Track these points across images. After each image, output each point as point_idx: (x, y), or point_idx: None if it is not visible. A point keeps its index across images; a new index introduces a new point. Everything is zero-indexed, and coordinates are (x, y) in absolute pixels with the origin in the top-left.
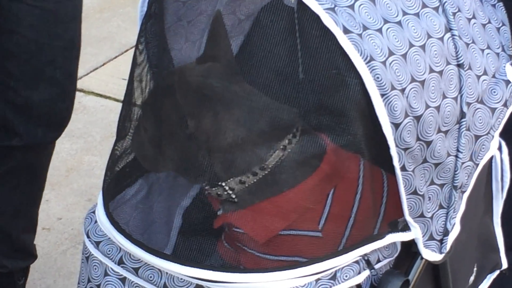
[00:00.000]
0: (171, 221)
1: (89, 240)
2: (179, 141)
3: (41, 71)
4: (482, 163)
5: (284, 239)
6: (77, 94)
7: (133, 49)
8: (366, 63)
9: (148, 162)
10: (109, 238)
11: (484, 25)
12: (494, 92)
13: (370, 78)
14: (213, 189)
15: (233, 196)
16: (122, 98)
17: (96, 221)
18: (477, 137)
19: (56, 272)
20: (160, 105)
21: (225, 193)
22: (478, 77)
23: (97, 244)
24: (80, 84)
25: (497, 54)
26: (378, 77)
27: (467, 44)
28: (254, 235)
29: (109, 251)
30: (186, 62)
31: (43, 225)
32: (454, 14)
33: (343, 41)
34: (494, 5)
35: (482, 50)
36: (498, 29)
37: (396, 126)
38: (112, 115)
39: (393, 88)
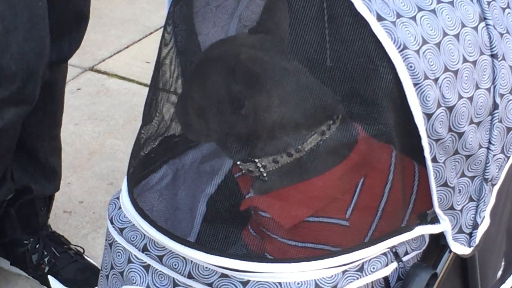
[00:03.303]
0: (195, 208)
1: (113, 227)
2: (226, 115)
3: None
4: None
5: (311, 226)
6: (100, 76)
7: (158, 32)
8: (399, 52)
9: (191, 131)
10: (133, 224)
11: None
12: None
13: (403, 67)
14: (246, 164)
15: (264, 175)
16: (145, 81)
17: (120, 207)
18: (509, 129)
19: None
20: (208, 75)
21: (257, 169)
22: None
23: (121, 231)
24: (103, 66)
25: None
26: (411, 66)
27: (501, 34)
28: (280, 220)
29: (133, 238)
30: None
31: (64, 208)
32: (488, 3)
33: (377, 28)
34: None
35: None
36: None
37: (428, 116)
38: (135, 98)
39: (426, 77)
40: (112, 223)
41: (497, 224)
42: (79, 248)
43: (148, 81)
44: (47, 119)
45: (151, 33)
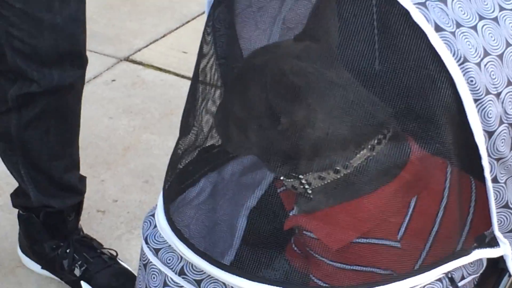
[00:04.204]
0: (235, 222)
1: (148, 247)
2: (266, 130)
3: (40, 18)
4: None
5: (359, 248)
6: (136, 67)
7: (195, 20)
8: (459, 65)
9: (231, 143)
10: (170, 245)
11: None
12: None
13: (463, 81)
14: (289, 180)
15: (309, 192)
16: (182, 72)
17: (155, 226)
18: None
19: None
20: (248, 87)
21: (301, 186)
22: None
23: (156, 252)
24: (139, 56)
25: None
26: (472, 81)
27: None
28: (327, 241)
29: (169, 260)
30: None
31: (98, 207)
32: None
33: (435, 39)
34: None
35: None
36: None
37: (489, 134)
38: (172, 91)
39: (487, 92)
40: (147, 242)
41: None
42: (112, 252)
43: (185, 72)
44: (59, 140)
45: (189, 21)
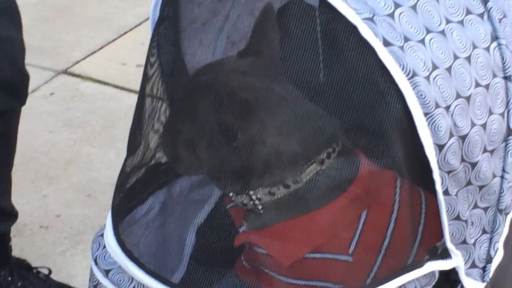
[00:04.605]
0: (184, 240)
1: (97, 268)
2: (218, 148)
3: None
4: None
5: (311, 263)
6: (74, 80)
7: (133, 31)
8: (409, 79)
9: (179, 164)
10: (120, 266)
11: None
12: None
13: (412, 95)
14: (239, 196)
15: (259, 207)
16: (122, 84)
17: (105, 246)
18: None
19: (55, 275)
20: (197, 105)
21: (251, 202)
22: None
23: (106, 273)
24: (77, 69)
25: None
26: (421, 94)
27: None
28: (279, 257)
29: (120, 280)
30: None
31: (41, 222)
32: (500, 20)
33: (383, 54)
34: None
35: None
36: None
37: (440, 147)
38: (111, 103)
39: (437, 106)
40: (96, 263)
41: (509, 252)
42: (45, 270)
43: (124, 84)
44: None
45: (126, 32)
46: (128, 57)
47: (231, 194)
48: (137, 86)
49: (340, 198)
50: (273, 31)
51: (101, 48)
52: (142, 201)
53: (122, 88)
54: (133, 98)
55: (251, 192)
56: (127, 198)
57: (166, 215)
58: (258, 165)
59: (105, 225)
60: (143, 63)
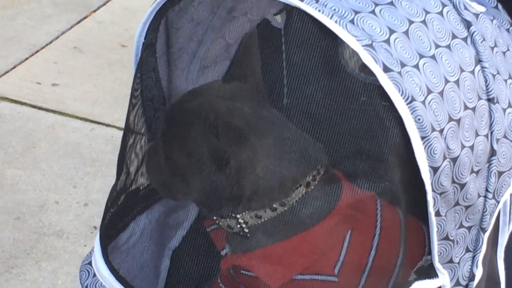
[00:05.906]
0: (159, 264)
1: None
2: (209, 174)
3: None
4: (502, 200)
5: (298, 284)
6: None
7: (45, 49)
8: (407, 104)
9: (167, 190)
10: None
11: (504, 53)
12: None
13: (411, 120)
14: (224, 220)
15: (246, 230)
16: (39, 104)
17: (95, 275)
18: (500, 174)
19: None
20: (185, 132)
21: (238, 226)
22: (504, 110)
23: None
24: None
25: None
26: (419, 119)
27: (494, 76)
28: (267, 280)
29: None
30: (175, 92)
31: None
32: (481, 42)
33: (384, 80)
34: (508, 30)
35: (505, 81)
36: None
37: (434, 170)
38: (30, 123)
39: (433, 129)
40: None
41: (485, 270)
42: None
43: (41, 103)
44: None
45: (38, 51)
46: (42, 76)
47: (215, 217)
48: (54, 106)
49: (327, 219)
50: (257, 56)
51: (14, 67)
52: (124, 227)
53: (40, 108)
54: (52, 118)
55: (238, 216)
56: (111, 225)
57: (144, 240)
58: (248, 189)
59: (90, 252)
60: (58, 82)
